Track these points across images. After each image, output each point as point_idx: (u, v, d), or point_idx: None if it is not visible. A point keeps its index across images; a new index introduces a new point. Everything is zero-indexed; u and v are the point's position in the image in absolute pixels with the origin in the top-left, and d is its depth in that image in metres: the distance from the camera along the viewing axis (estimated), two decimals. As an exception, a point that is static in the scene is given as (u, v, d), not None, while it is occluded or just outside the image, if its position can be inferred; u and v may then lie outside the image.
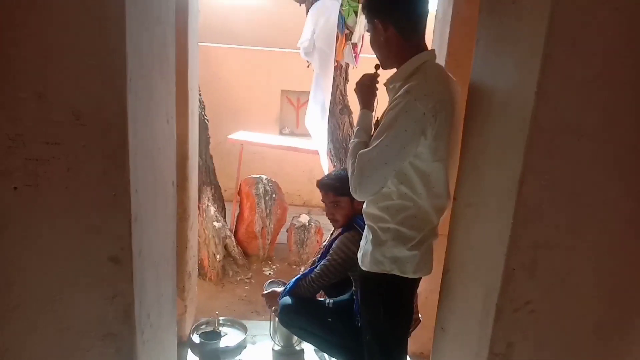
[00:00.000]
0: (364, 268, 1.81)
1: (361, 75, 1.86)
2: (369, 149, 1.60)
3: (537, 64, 1.22)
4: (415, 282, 1.81)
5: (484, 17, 1.60)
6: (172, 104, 1.68)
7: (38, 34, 1.16)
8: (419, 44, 1.70)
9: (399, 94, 1.59)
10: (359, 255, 1.87)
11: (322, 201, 2.50)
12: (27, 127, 1.21)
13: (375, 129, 1.68)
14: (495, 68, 1.53)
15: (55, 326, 1.36)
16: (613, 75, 1.23)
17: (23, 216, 1.27)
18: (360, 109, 1.82)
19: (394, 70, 1.73)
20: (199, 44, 2.81)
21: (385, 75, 1.78)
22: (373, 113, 1.81)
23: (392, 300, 1.81)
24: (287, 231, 4.34)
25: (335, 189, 2.40)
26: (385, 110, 1.65)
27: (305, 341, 2.69)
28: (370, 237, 1.78)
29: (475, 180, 1.60)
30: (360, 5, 3.40)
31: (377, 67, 1.82)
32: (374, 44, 1.75)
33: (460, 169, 1.71)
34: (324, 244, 2.91)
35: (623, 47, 1.21)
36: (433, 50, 1.75)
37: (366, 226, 1.84)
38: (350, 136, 3.85)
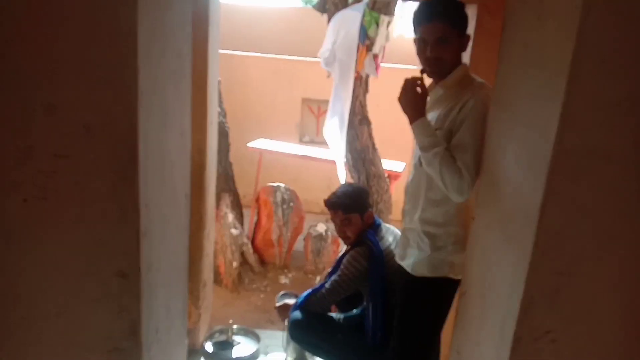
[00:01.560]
0: (416, 274, 1.85)
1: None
2: (462, 151, 1.68)
3: (562, 83, 1.16)
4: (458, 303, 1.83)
5: (508, 33, 1.54)
6: (187, 116, 1.66)
7: (49, 46, 1.15)
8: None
9: (469, 93, 1.72)
10: (405, 263, 1.90)
11: (332, 220, 2.45)
12: (37, 139, 1.20)
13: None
14: (518, 86, 1.47)
15: (61, 340, 1.34)
16: (643, 97, 1.16)
17: (31, 228, 1.26)
18: (416, 120, 1.76)
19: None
20: (222, 51, 2.81)
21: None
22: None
23: (443, 303, 1.89)
24: (304, 240, 4.32)
25: (344, 206, 2.37)
26: (444, 113, 1.76)
27: (316, 356, 2.65)
28: (427, 242, 1.83)
29: (495, 201, 1.55)
30: (383, 18, 3.37)
31: (422, 71, 1.85)
32: (456, 53, 1.80)
33: (480, 185, 1.66)
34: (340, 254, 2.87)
35: (655, 67, 1.15)
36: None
37: (415, 233, 1.88)
38: (369, 147, 3.81)
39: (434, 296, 1.88)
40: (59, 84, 1.18)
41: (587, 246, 1.25)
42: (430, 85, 1.89)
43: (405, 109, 1.79)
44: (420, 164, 1.81)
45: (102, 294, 1.32)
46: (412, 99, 1.77)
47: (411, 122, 1.77)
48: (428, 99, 1.82)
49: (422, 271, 1.84)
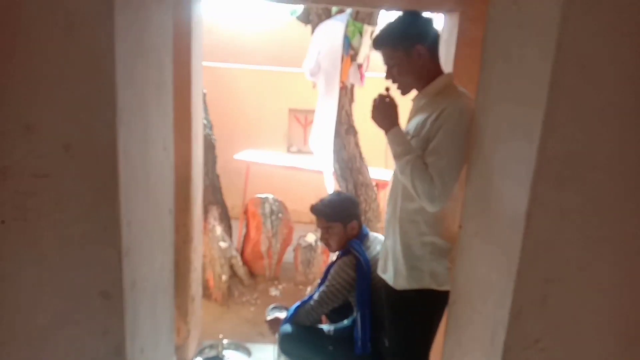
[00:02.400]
0: (399, 288, 1.82)
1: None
2: (436, 157, 1.65)
3: (544, 90, 1.16)
4: (448, 293, 1.79)
5: (489, 42, 1.55)
6: (170, 130, 1.65)
7: (25, 65, 1.13)
8: (439, 63, 1.86)
9: (447, 102, 1.70)
10: (387, 276, 1.86)
11: (317, 226, 2.48)
12: (15, 159, 1.18)
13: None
14: (500, 93, 1.47)
15: (44, 364, 1.31)
16: (626, 103, 1.16)
17: (11, 250, 1.23)
18: (389, 130, 1.78)
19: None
20: (207, 64, 2.80)
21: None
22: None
23: (430, 316, 1.85)
24: (293, 251, 4.29)
25: (325, 215, 2.39)
26: (422, 121, 1.74)
27: (308, 369, 2.62)
28: (403, 254, 1.79)
29: (481, 209, 1.54)
30: (367, 27, 3.38)
31: (387, 89, 1.85)
32: (410, 69, 1.79)
33: (466, 194, 1.65)
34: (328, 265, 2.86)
35: (636, 73, 1.15)
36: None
37: (390, 246, 1.85)
38: (356, 156, 3.81)
39: (418, 309, 1.84)
40: (36, 103, 1.16)
41: (574, 253, 1.25)
42: (416, 95, 1.89)
43: (379, 123, 1.81)
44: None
45: (85, 315, 1.30)
46: (383, 111, 1.80)
47: (385, 133, 1.80)
48: (411, 107, 1.85)
49: (403, 284, 1.82)
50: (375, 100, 1.83)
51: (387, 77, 1.84)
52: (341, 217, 2.38)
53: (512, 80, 1.39)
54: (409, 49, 1.77)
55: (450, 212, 1.78)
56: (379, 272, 1.96)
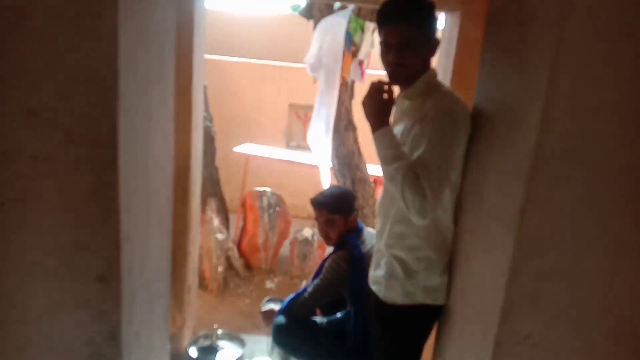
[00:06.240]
0: (390, 302, 1.69)
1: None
2: (427, 169, 1.47)
3: (542, 89, 1.18)
4: (443, 307, 1.74)
5: (489, 39, 1.56)
6: (170, 119, 1.66)
7: (28, 48, 1.14)
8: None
9: (430, 104, 1.56)
10: (376, 288, 1.74)
11: (315, 219, 2.46)
12: (16, 142, 1.19)
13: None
14: (499, 92, 1.48)
15: (40, 346, 1.32)
16: (622, 103, 1.17)
17: (9, 232, 1.24)
18: (378, 129, 1.59)
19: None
20: (209, 56, 2.81)
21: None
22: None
23: (421, 331, 1.75)
24: (290, 244, 4.31)
25: (329, 206, 2.37)
26: (408, 127, 1.60)
27: (301, 361, 2.63)
28: (398, 269, 1.66)
29: (476, 206, 1.56)
30: (369, 24, 3.38)
31: (388, 85, 1.64)
32: (421, 58, 1.62)
33: (461, 191, 1.66)
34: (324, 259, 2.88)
35: (633, 74, 1.16)
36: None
37: (385, 258, 1.71)
38: (354, 152, 3.82)
39: (410, 324, 1.72)
40: (38, 86, 1.16)
41: (567, 250, 1.26)
42: (397, 96, 1.70)
43: (368, 115, 1.62)
44: None
45: (82, 298, 1.31)
46: (377, 105, 1.60)
47: (373, 131, 1.60)
48: (394, 109, 1.67)
49: (393, 298, 1.68)
50: (372, 87, 1.62)
51: (393, 57, 1.59)
52: (343, 209, 2.38)
53: (512, 79, 1.40)
54: (431, 36, 1.61)
55: (442, 222, 1.65)
56: (370, 282, 1.83)
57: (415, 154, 1.51)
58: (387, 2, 1.60)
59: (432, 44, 1.63)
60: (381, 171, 1.59)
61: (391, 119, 1.66)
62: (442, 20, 2.29)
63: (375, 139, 1.59)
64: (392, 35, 1.58)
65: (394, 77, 1.64)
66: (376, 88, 1.61)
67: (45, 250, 1.27)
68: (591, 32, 1.13)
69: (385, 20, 1.60)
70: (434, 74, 1.68)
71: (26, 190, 1.22)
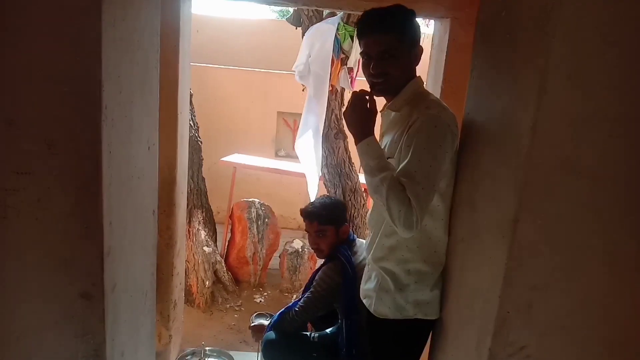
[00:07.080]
0: (380, 316, 1.66)
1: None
2: (413, 181, 1.43)
3: (533, 97, 1.17)
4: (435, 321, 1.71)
5: (479, 48, 1.55)
6: (155, 129, 1.62)
7: (9, 59, 1.10)
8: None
9: (416, 113, 1.51)
10: (367, 301, 1.71)
11: (306, 230, 2.41)
12: (-4, 155, 1.15)
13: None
14: (489, 100, 1.47)
15: (21, 366, 1.28)
16: (613, 112, 1.16)
17: (-12, 249, 1.20)
18: (362, 139, 1.54)
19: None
20: (196, 64, 2.77)
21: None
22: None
23: (413, 345, 1.72)
24: (279, 257, 4.25)
25: (320, 217, 2.33)
26: (395, 139, 1.56)
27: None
28: (388, 282, 1.63)
29: (468, 215, 1.54)
30: (354, 31, 3.38)
31: (371, 93, 1.61)
32: (403, 68, 1.59)
33: (454, 201, 1.64)
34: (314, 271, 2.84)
35: (623, 82, 1.16)
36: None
37: (375, 271, 1.69)
38: (345, 161, 3.80)
39: (400, 338, 1.69)
40: (19, 98, 1.13)
41: (560, 260, 1.25)
42: (383, 107, 1.69)
43: (351, 126, 1.58)
44: None
45: (64, 316, 1.26)
46: (360, 115, 1.57)
47: (357, 142, 1.56)
48: (380, 119, 1.64)
49: (384, 312, 1.65)
50: (354, 97, 1.58)
51: (374, 68, 1.56)
52: (334, 220, 2.34)
53: (502, 87, 1.39)
54: (413, 44, 1.59)
55: (437, 233, 1.63)
56: (361, 295, 1.80)
57: (402, 165, 1.48)
58: (366, 13, 1.58)
59: (414, 53, 1.60)
60: (366, 182, 1.57)
61: (377, 130, 1.62)
62: (430, 28, 2.29)
63: (359, 149, 1.55)
64: (372, 46, 1.56)
65: (376, 89, 1.61)
66: (358, 98, 1.58)
67: (26, 266, 1.22)
68: (581, 40, 1.12)
69: (364, 30, 1.58)
70: (419, 82, 1.66)
71: (7, 204, 1.18)
